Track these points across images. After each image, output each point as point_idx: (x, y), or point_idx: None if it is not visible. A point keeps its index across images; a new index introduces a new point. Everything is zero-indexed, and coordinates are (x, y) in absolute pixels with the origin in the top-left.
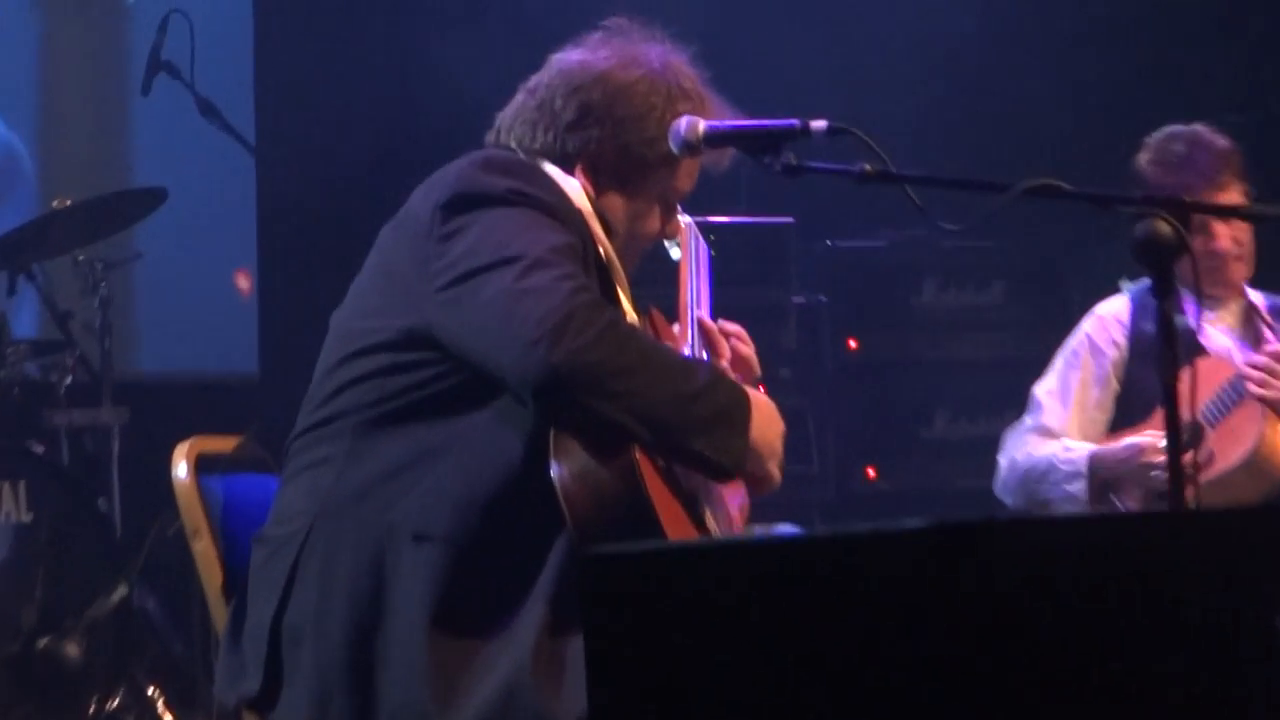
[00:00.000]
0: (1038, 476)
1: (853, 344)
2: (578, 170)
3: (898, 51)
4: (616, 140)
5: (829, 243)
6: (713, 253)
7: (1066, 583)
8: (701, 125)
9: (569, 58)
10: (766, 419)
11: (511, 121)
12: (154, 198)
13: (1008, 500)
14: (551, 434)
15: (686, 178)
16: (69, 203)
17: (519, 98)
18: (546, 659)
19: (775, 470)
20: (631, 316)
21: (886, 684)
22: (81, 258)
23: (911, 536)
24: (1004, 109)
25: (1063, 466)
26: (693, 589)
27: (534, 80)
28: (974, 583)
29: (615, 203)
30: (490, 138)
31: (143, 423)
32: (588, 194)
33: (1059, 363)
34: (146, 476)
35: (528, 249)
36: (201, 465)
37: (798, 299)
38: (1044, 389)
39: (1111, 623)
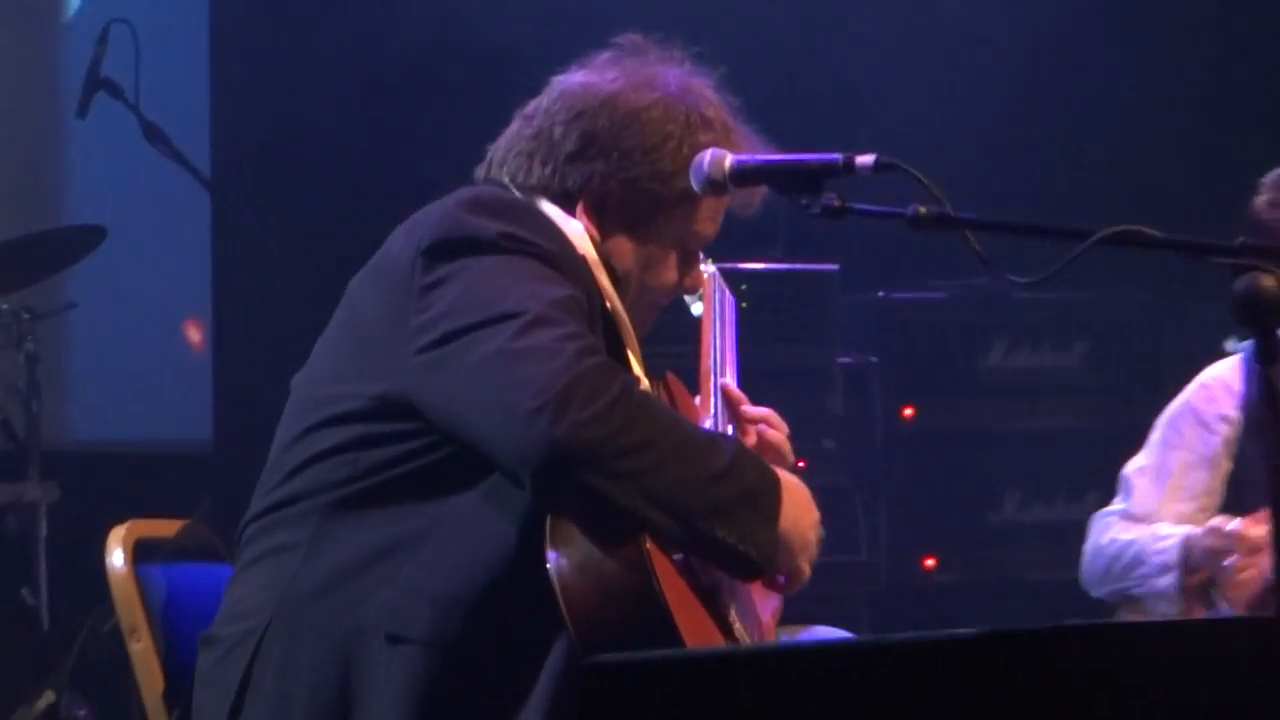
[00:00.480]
0: (1124, 568)
1: (908, 412)
2: (579, 210)
3: (953, 78)
4: (624, 174)
5: (880, 294)
6: (742, 305)
7: (1139, 700)
8: (728, 160)
9: (572, 80)
10: (799, 506)
11: (505, 153)
12: (91, 237)
13: (1094, 593)
14: (549, 519)
15: (709, 220)
16: None
17: (514, 126)
18: None
19: (806, 566)
20: (644, 383)
21: None
22: (5, 307)
23: (963, 646)
24: (1081, 143)
25: (1153, 558)
26: (710, 705)
27: (532, 105)
28: (1035, 700)
29: (624, 248)
30: (480, 172)
31: (75, 500)
32: (592, 238)
33: (1155, 437)
34: (79, 563)
35: (524, 304)
36: (141, 552)
37: (844, 359)
38: (1136, 467)
39: None
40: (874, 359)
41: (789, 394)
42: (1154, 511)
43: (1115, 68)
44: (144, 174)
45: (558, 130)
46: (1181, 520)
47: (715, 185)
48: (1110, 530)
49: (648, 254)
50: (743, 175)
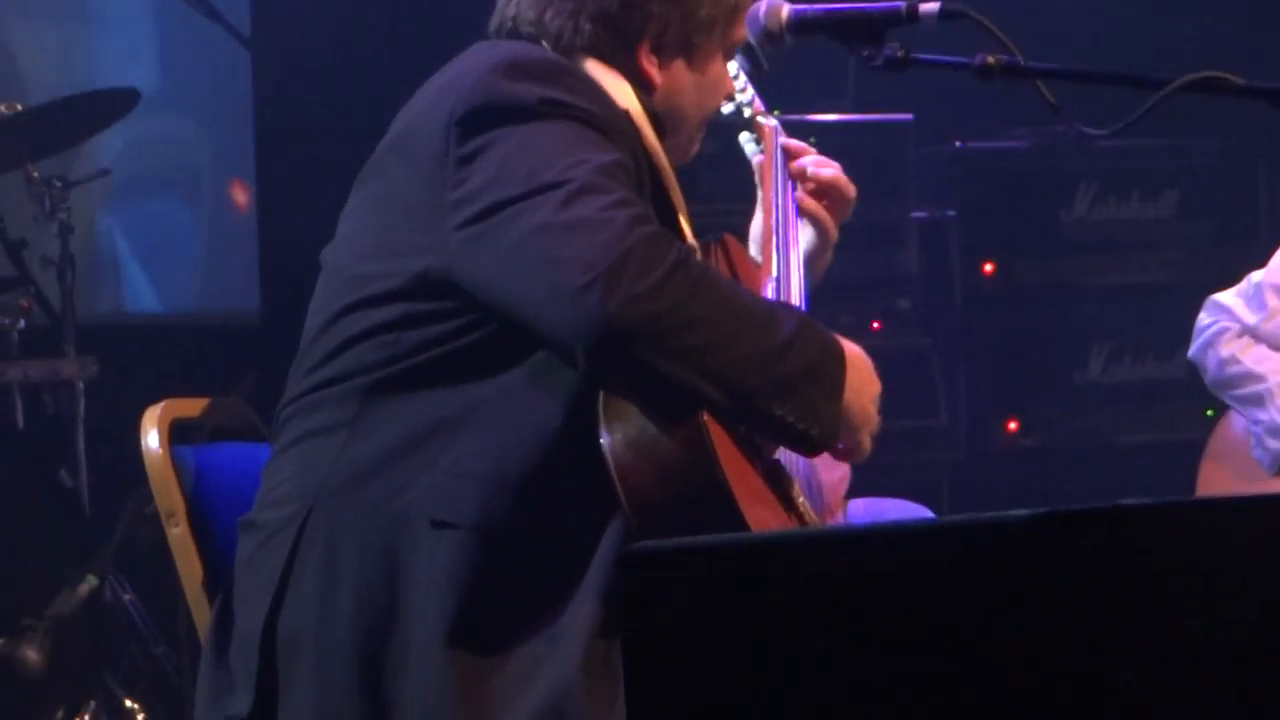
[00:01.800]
0: (1242, 399)
1: (988, 268)
2: (642, 54)
3: None
4: (682, 9)
5: (957, 144)
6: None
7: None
8: (785, 10)
9: None
10: (862, 378)
11: (536, 12)
12: (124, 101)
13: (1203, 376)
14: (602, 397)
15: (744, 25)
16: (19, 107)
17: None
18: (599, 665)
19: (867, 440)
20: (694, 248)
21: (980, 701)
22: (36, 175)
23: (1016, 529)
24: None
25: (1274, 412)
26: (754, 591)
27: None
28: (1096, 583)
29: (684, 80)
30: (501, 29)
31: (114, 376)
32: (652, 82)
33: None
34: (120, 443)
35: (570, 172)
36: (178, 433)
37: (919, 214)
38: (1273, 283)
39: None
40: (951, 213)
41: (862, 252)
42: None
43: None
44: (179, 33)
45: None
46: None
47: (773, 38)
48: (1231, 344)
49: (705, 78)
50: (801, 26)
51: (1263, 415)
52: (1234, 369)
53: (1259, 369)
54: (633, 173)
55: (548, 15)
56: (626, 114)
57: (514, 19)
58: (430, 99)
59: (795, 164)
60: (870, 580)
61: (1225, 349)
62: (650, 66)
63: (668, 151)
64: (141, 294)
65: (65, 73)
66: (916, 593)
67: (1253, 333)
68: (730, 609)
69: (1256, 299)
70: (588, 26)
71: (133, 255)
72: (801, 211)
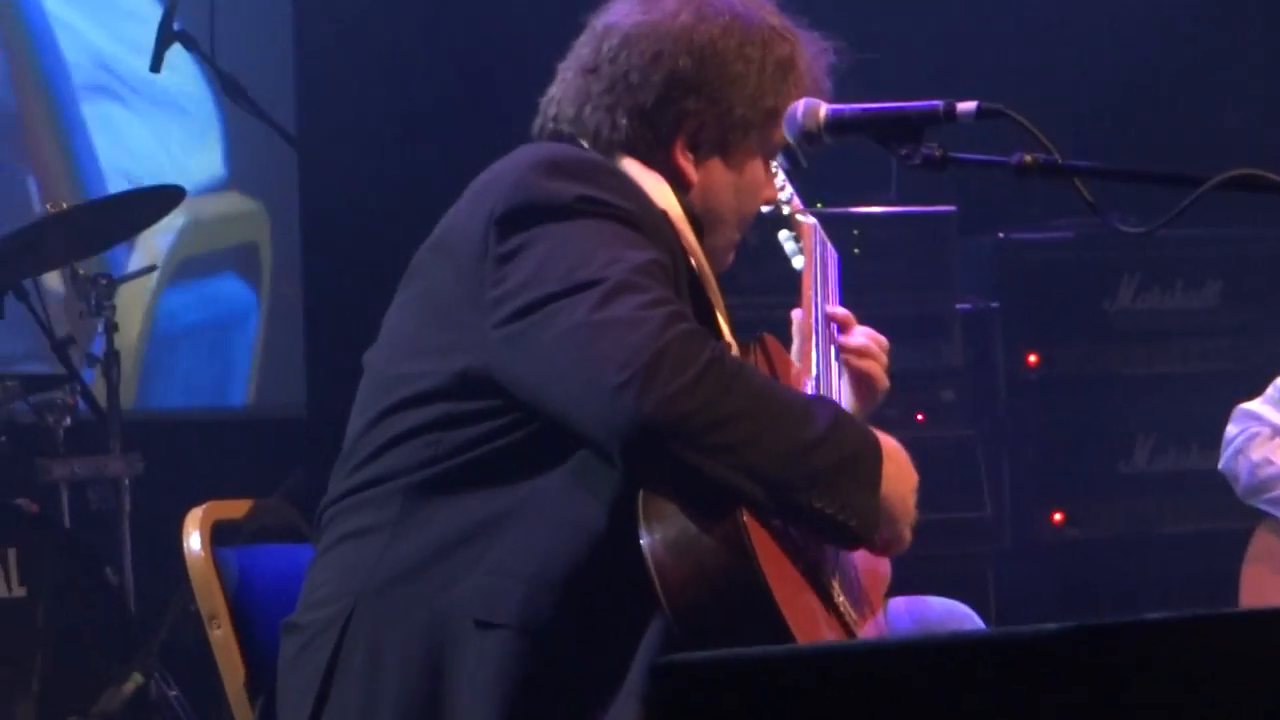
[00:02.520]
0: (1275, 500)
1: (1032, 359)
2: (677, 151)
3: (1058, 21)
4: (717, 109)
5: (1000, 235)
6: (854, 251)
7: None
8: (823, 110)
9: (625, 20)
10: (899, 470)
11: (576, 110)
12: (170, 198)
13: (1235, 489)
14: (641, 496)
15: (781, 128)
16: (65, 206)
17: (572, 78)
18: None
19: (907, 532)
20: (733, 346)
21: None
22: (82, 272)
23: (1048, 641)
24: (1191, 84)
25: None
26: (787, 706)
27: (588, 56)
28: (1124, 700)
29: (720, 180)
30: (541, 128)
31: (160, 473)
32: (689, 180)
33: None
34: (166, 539)
35: (606, 270)
36: (221, 534)
37: (963, 306)
38: None
39: None
40: (995, 304)
41: (906, 343)
42: None
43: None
44: (223, 130)
45: (634, 76)
46: None
47: (811, 138)
48: (1262, 447)
49: (743, 180)
50: (838, 126)
51: None
52: (1268, 470)
53: None
54: (670, 271)
55: (586, 111)
56: (665, 214)
57: (554, 118)
58: (471, 199)
59: (842, 342)
60: (900, 695)
61: (1257, 453)
62: (686, 163)
63: (705, 253)
64: (187, 390)
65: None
66: (947, 708)
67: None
68: None
69: None
70: (624, 121)
71: (177, 352)
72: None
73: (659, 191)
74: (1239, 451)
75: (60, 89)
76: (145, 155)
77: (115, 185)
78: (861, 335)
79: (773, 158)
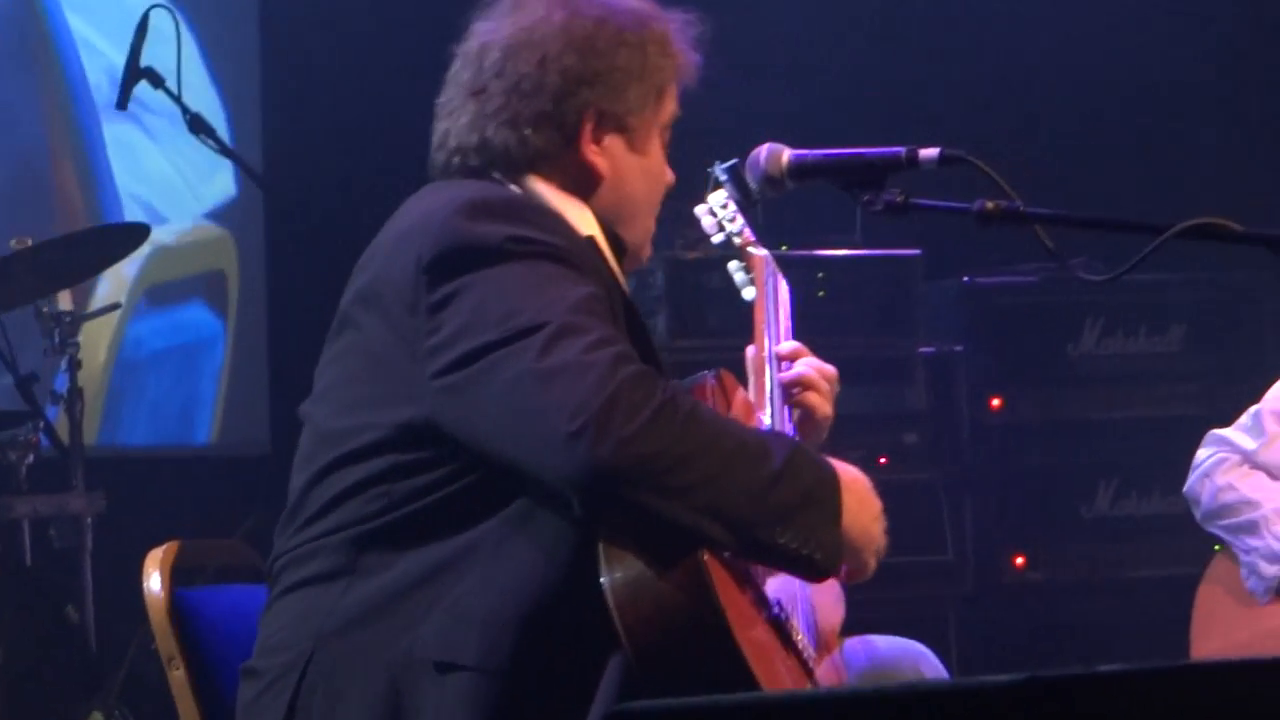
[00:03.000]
0: (1235, 526)
1: (996, 403)
2: (584, 143)
3: (1020, 67)
4: (611, 94)
5: (964, 279)
6: (819, 294)
7: None
8: (785, 156)
9: (499, 34)
10: (860, 498)
11: (477, 136)
12: (136, 235)
13: (1197, 516)
14: (602, 539)
15: (673, 104)
16: (30, 242)
17: (460, 105)
18: None
19: (872, 560)
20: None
21: None
22: (46, 309)
23: (1000, 693)
24: (1154, 129)
25: (1269, 539)
26: None
27: (466, 78)
28: None
29: (630, 165)
30: (448, 164)
31: (123, 511)
32: (599, 174)
33: None
34: (128, 577)
35: (545, 313)
36: (182, 574)
37: (926, 349)
38: (1272, 409)
39: None
40: (959, 348)
41: (869, 386)
42: (1278, 468)
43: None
44: (189, 167)
45: (526, 84)
46: None
47: (773, 182)
48: (1229, 472)
49: (648, 161)
50: (801, 171)
51: (1256, 542)
52: (1229, 496)
53: (1255, 495)
54: (606, 303)
55: (489, 132)
56: (591, 240)
57: (458, 151)
58: (391, 247)
59: (782, 377)
60: None
61: (1222, 477)
62: (595, 157)
63: (625, 261)
64: (151, 428)
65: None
66: None
67: (1252, 460)
68: None
69: (1256, 426)
70: (528, 132)
71: (141, 389)
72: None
73: (581, 218)
74: (1205, 475)
75: (85, 116)
76: (160, 179)
77: (130, 210)
78: (803, 365)
79: (665, 136)
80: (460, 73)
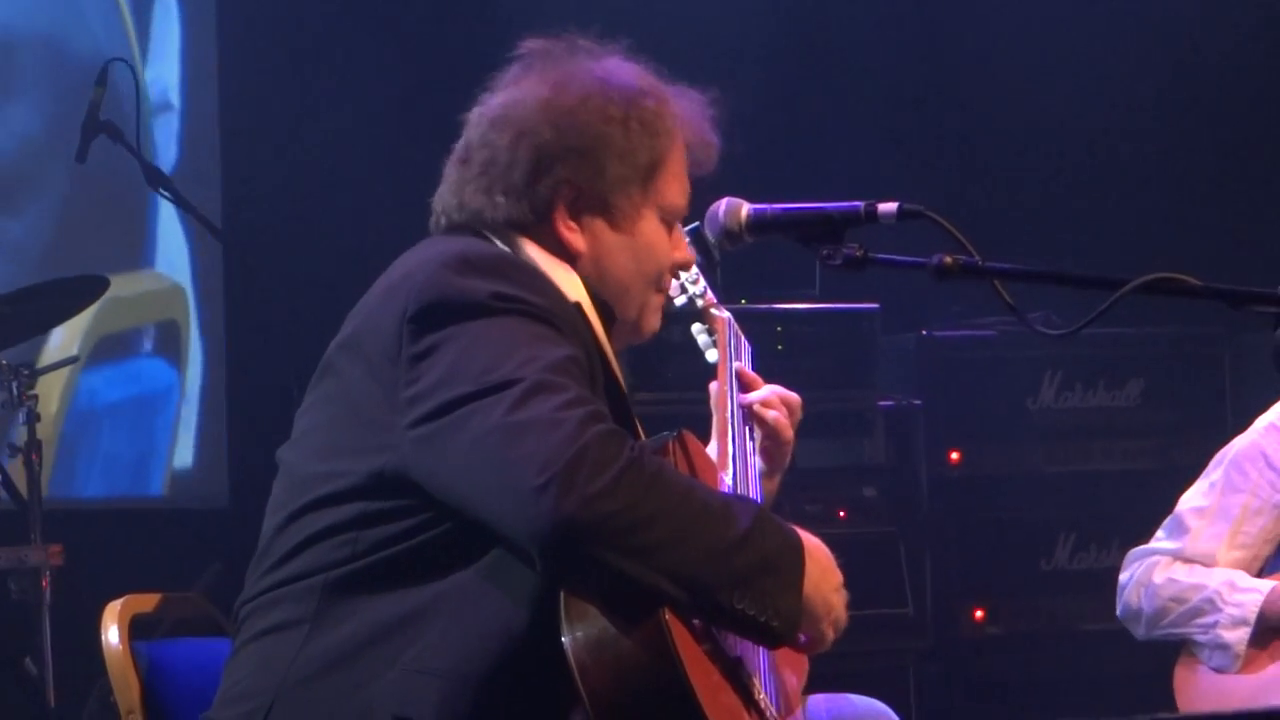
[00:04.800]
0: (1187, 613)
1: (954, 456)
2: (559, 222)
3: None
4: (587, 171)
5: (923, 333)
6: (777, 348)
7: None
8: (744, 210)
9: (490, 108)
10: (822, 569)
11: (460, 199)
12: (93, 287)
13: (1138, 633)
14: (563, 596)
15: (677, 192)
16: None
17: (450, 172)
18: None
19: (830, 631)
20: (641, 435)
21: None
22: (4, 363)
23: None
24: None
25: (1228, 608)
26: None
27: (461, 148)
28: None
29: (612, 244)
30: (437, 223)
31: (81, 564)
32: (578, 251)
33: (1217, 477)
34: (86, 630)
35: (521, 370)
36: (139, 627)
37: (885, 403)
38: (1191, 507)
39: None
40: (917, 402)
41: (828, 440)
42: (1212, 555)
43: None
44: (149, 221)
45: (503, 156)
46: (1236, 566)
47: (732, 236)
48: (1164, 570)
49: (636, 240)
50: (760, 225)
51: (1214, 616)
52: (1173, 589)
53: (1200, 580)
54: (584, 366)
55: (465, 196)
56: (578, 306)
57: (443, 212)
58: (382, 296)
59: (742, 398)
60: None
61: (1160, 576)
62: (569, 233)
63: (618, 335)
64: (109, 480)
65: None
66: None
67: (1181, 556)
68: None
69: (1177, 528)
70: (501, 200)
71: (99, 443)
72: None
73: (568, 282)
74: (1139, 584)
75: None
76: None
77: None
78: (769, 389)
79: (673, 217)
80: (460, 141)
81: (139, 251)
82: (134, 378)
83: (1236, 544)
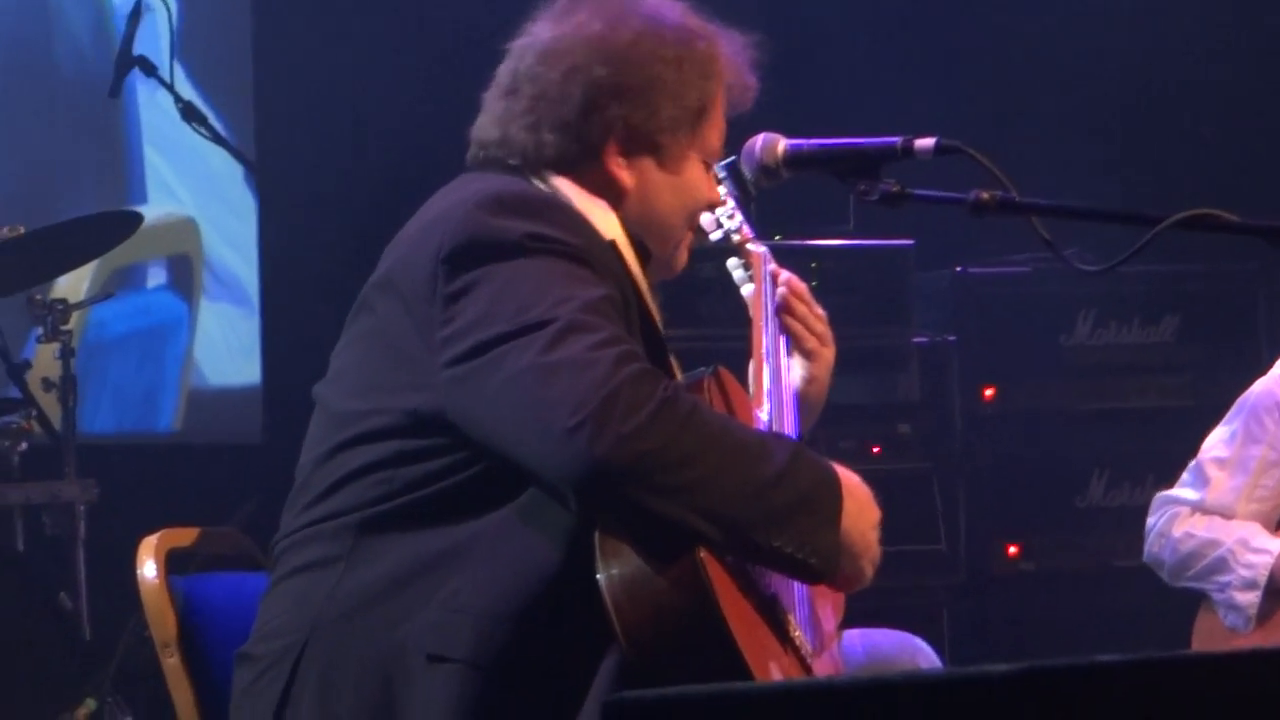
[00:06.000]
0: (1204, 570)
1: (989, 393)
2: (609, 153)
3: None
4: (642, 111)
5: (958, 269)
6: (812, 284)
7: None
8: (781, 145)
9: (539, 37)
10: (859, 505)
11: (501, 133)
12: (128, 223)
13: (1168, 580)
14: (598, 535)
15: (717, 133)
16: (22, 230)
17: (494, 104)
18: None
19: (868, 568)
20: (677, 374)
21: None
22: (39, 297)
23: (997, 682)
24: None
25: (1240, 570)
26: None
27: (505, 78)
28: None
29: (658, 183)
30: (476, 156)
31: (115, 499)
32: (623, 188)
33: (1237, 426)
34: (120, 565)
35: (555, 310)
36: (175, 562)
37: (919, 339)
38: (1212, 457)
39: None
40: (951, 338)
41: (862, 377)
42: (1231, 508)
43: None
44: (181, 156)
45: (554, 91)
46: (1254, 519)
47: (769, 172)
48: (1184, 522)
49: (681, 180)
50: (797, 161)
51: (1228, 577)
52: (1190, 544)
53: (1215, 535)
54: (620, 306)
55: (511, 132)
56: (612, 244)
57: (482, 145)
58: (417, 235)
59: (778, 294)
60: None
61: (1178, 530)
62: (619, 170)
63: (653, 270)
64: (143, 416)
65: (69, 194)
66: None
67: (1201, 508)
68: None
69: (1198, 478)
70: (549, 138)
71: (134, 378)
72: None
73: (604, 220)
74: (1160, 535)
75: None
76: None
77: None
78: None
79: (712, 159)
80: (502, 70)
81: (142, 186)
82: (143, 311)
83: (1255, 497)
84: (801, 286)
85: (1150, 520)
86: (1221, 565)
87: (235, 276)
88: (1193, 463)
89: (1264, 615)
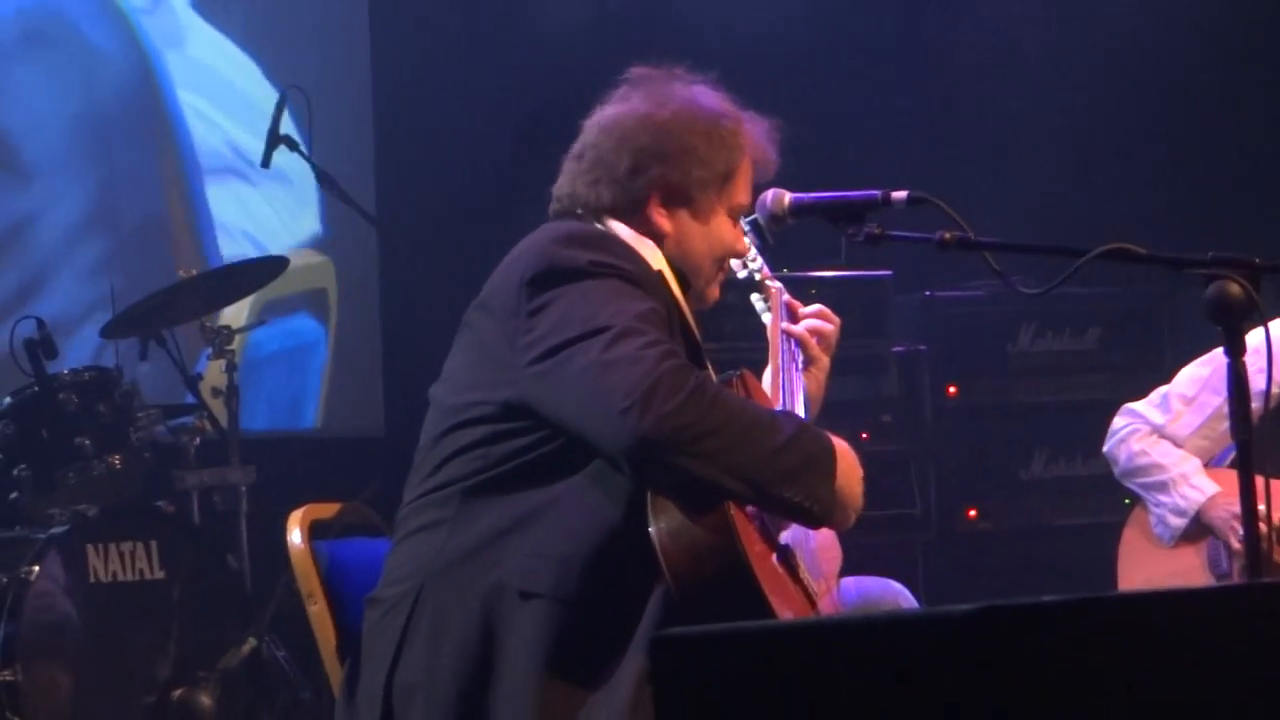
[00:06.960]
0: (1147, 484)
1: (952, 390)
2: (652, 208)
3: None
4: (678, 172)
5: (926, 294)
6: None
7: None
8: (787, 198)
9: (604, 115)
10: (849, 465)
11: (570, 188)
12: (276, 266)
13: (1116, 474)
14: (649, 495)
15: (744, 193)
16: (194, 273)
17: (568, 166)
18: (645, 705)
19: (853, 515)
20: (710, 372)
21: None
22: (209, 324)
23: (962, 621)
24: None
25: (1175, 497)
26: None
27: (577, 147)
28: (1025, 669)
29: (691, 229)
30: (553, 208)
31: (270, 481)
32: (665, 232)
33: (1207, 374)
34: (274, 533)
35: (614, 319)
36: (315, 530)
37: (898, 349)
38: (1179, 393)
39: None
40: (923, 347)
41: (852, 379)
42: (1182, 439)
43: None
44: (319, 212)
45: (609, 156)
46: (1197, 453)
47: (776, 219)
48: (1142, 439)
49: (710, 229)
50: (799, 210)
51: (1166, 499)
52: (1143, 460)
53: (1164, 460)
54: (664, 318)
55: (578, 188)
56: (660, 274)
57: (557, 199)
58: (506, 267)
59: (799, 315)
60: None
61: (1137, 444)
62: (660, 218)
63: (691, 298)
64: (292, 416)
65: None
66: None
67: (1160, 431)
68: (744, 687)
69: (1164, 405)
70: (605, 191)
71: (283, 386)
72: (802, 351)
73: (652, 255)
74: (1121, 440)
75: (193, 176)
76: (263, 220)
77: (237, 247)
78: (816, 307)
79: (737, 216)
80: (576, 142)
81: (315, 229)
82: (290, 333)
83: (1203, 435)
84: (827, 312)
85: (1116, 422)
86: (1163, 488)
87: (363, 305)
88: (1164, 390)
89: (1183, 537)
